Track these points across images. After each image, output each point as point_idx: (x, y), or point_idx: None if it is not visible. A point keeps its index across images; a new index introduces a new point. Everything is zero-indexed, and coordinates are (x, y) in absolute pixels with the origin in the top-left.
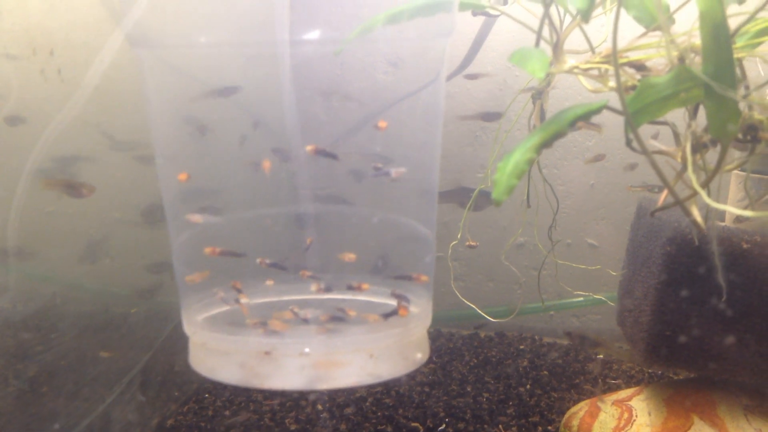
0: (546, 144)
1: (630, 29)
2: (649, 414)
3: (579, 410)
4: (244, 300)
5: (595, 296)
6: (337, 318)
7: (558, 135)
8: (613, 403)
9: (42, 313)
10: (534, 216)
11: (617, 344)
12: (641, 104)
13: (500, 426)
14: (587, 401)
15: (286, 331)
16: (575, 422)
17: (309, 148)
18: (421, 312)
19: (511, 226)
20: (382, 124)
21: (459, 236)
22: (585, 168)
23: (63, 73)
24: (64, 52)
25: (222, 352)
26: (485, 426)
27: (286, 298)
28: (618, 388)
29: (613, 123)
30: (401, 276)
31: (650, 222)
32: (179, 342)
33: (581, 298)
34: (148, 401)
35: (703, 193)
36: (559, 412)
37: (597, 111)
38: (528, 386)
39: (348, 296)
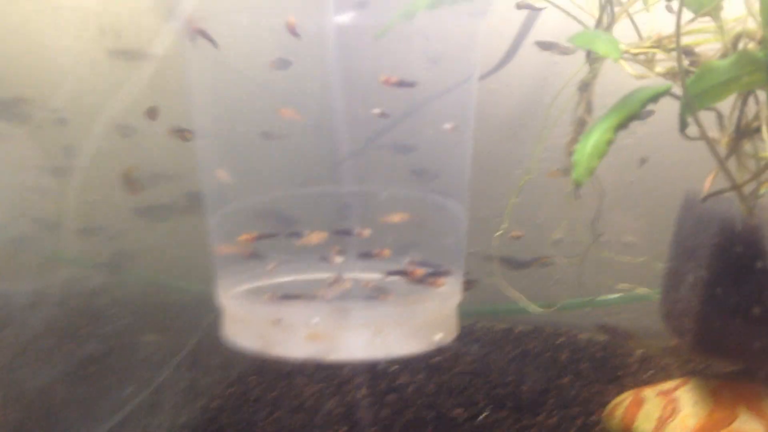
0: (622, 125)
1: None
2: (694, 405)
3: (623, 400)
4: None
5: (638, 291)
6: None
7: (632, 116)
8: (657, 394)
9: (93, 297)
10: (569, 212)
11: (653, 340)
12: (701, 88)
13: (541, 415)
14: (631, 391)
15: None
16: (619, 412)
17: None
18: (444, 290)
19: (546, 222)
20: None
21: (503, 227)
22: (611, 164)
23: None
24: (131, 35)
25: (241, 320)
26: (526, 415)
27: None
28: (659, 381)
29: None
30: (424, 263)
31: (698, 213)
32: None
33: (618, 294)
34: (193, 384)
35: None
36: (599, 404)
37: (663, 93)
38: (568, 378)
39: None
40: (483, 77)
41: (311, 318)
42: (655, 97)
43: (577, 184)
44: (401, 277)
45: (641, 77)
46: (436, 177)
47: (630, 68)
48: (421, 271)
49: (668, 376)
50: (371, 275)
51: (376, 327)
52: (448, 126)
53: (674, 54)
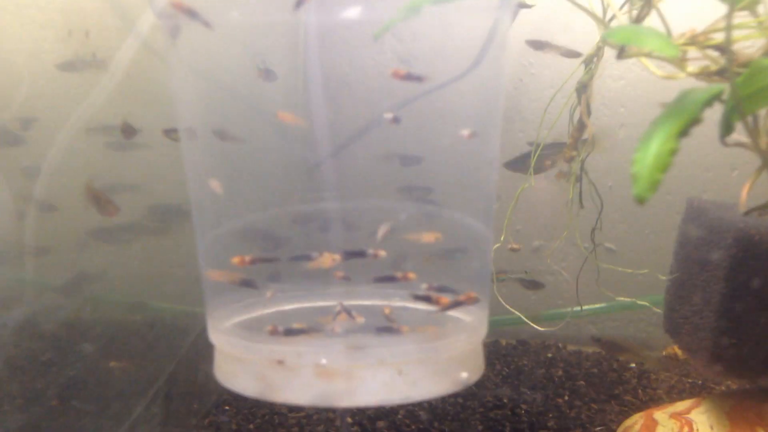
0: (683, 132)
1: (710, 10)
2: (711, 428)
3: (634, 423)
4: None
5: (639, 301)
6: (386, 326)
7: (693, 122)
8: (671, 416)
9: (68, 325)
10: (558, 220)
11: (646, 351)
12: (753, 88)
13: None
14: (642, 414)
15: (301, 340)
16: None
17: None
18: (471, 321)
19: (545, 230)
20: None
21: (502, 238)
22: (604, 170)
23: (97, 57)
24: (99, 35)
25: (238, 360)
26: None
27: (318, 304)
28: (660, 398)
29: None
30: (444, 288)
31: (706, 223)
32: (200, 353)
33: (603, 304)
34: (169, 415)
35: None
36: (601, 424)
37: (718, 95)
38: (566, 397)
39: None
40: (454, 80)
41: (319, 357)
42: (710, 100)
43: (640, 202)
44: (425, 304)
45: (671, 78)
46: (460, 190)
47: (656, 68)
48: (446, 300)
49: (670, 391)
50: (387, 302)
51: (395, 366)
52: (465, 132)
53: (709, 52)
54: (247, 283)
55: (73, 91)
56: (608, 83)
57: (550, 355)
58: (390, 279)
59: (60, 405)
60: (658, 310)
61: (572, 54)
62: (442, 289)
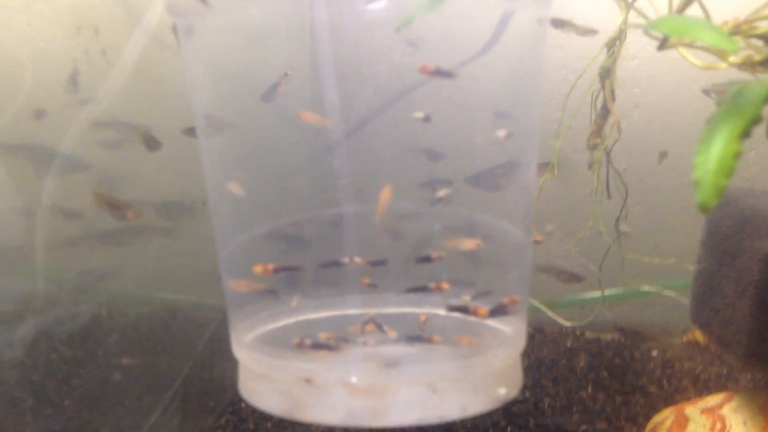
0: (746, 133)
1: None
2: (745, 424)
3: (664, 419)
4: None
5: (664, 291)
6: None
7: (755, 120)
8: (702, 412)
9: (87, 329)
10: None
11: (667, 338)
12: None
13: None
14: (672, 409)
15: (329, 356)
16: None
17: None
18: (509, 333)
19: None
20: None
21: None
22: (617, 153)
23: (108, 55)
24: (108, 31)
25: (264, 377)
26: None
27: (345, 312)
28: (686, 389)
29: None
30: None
31: (738, 212)
32: (215, 347)
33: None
34: (186, 416)
35: None
36: (627, 417)
37: None
38: (589, 389)
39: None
40: (461, 65)
41: (350, 375)
42: None
43: (704, 210)
44: (463, 314)
45: (709, 68)
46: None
47: (694, 58)
48: (484, 310)
49: (694, 381)
50: (419, 309)
51: (429, 383)
52: (500, 134)
53: (753, 41)
54: (271, 293)
55: (81, 91)
56: (622, 63)
57: (569, 344)
58: (422, 289)
59: (77, 415)
60: (671, 294)
61: (590, 32)
62: (484, 294)
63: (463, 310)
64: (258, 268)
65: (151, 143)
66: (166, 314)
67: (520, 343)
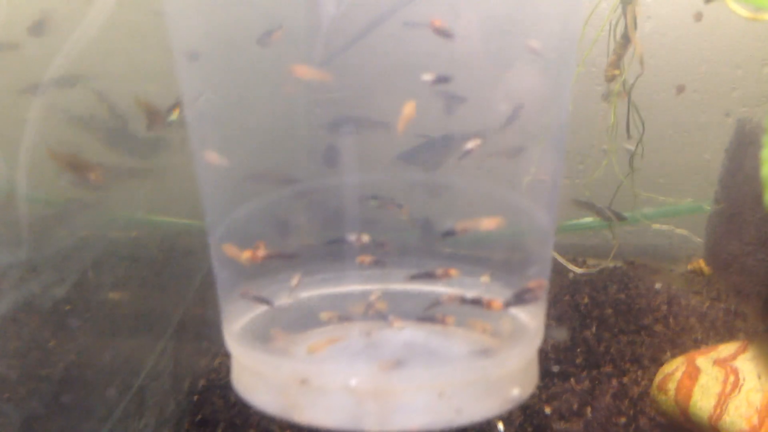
0: None
1: None
2: (759, 377)
3: (674, 370)
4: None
5: (677, 229)
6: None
7: None
8: (714, 363)
9: (75, 292)
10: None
11: (671, 267)
12: None
13: (571, 380)
14: (682, 359)
15: (326, 354)
16: (671, 385)
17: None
18: (527, 325)
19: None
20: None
21: (532, 171)
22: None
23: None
24: None
25: (257, 374)
26: (555, 380)
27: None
28: (692, 328)
29: None
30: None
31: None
32: (210, 284)
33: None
34: (179, 358)
35: None
36: (633, 359)
37: None
38: (594, 329)
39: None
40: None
41: (350, 376)
42: None
43: None
44: (475, 307)
45: (754, 19)
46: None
47: (739, 8)
48: (499, 303)
49: (701, 319)
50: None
51: (436, 388)
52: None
53: None
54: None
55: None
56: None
57: (572, 275)
58: (428, 276)
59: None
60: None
61: None
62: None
63: (476, 302)
64: (246, 254)
65: (154, 117)
66: (160, 243)
67: (537, 341)
